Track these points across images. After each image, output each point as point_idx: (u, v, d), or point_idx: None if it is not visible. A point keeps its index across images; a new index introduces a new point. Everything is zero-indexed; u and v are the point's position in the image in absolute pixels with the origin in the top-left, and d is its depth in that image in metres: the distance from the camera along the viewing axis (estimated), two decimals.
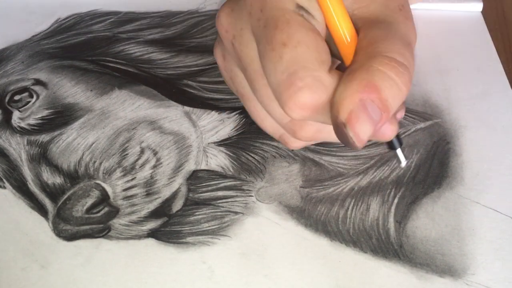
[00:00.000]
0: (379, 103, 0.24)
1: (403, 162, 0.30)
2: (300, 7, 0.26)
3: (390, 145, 0.29)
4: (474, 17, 0.47)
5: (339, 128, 0.24)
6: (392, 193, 0.35)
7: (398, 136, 0.29)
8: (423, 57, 0.44)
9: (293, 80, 0.24)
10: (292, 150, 0.37)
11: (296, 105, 0.25)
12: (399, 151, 0.29)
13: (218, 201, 0.35)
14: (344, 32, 0.27)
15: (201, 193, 0.35)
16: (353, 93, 0.23)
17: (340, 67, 0.27)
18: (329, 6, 0.26)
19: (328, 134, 0.29)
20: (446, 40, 0.45)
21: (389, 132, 0.27)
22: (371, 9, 0.27)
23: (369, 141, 0.26)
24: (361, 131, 0.24)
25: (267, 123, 0.32)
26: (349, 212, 0.34)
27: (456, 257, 0.32)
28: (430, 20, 0.47)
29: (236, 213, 0.34)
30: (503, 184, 0.36)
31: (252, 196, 0.35)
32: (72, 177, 0.36)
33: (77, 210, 0.34)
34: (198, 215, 0.34)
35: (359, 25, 0.27)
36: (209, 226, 0.34)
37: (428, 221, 0.34)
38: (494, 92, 0.41)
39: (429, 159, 0.37)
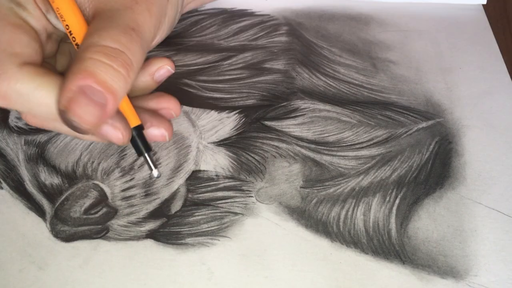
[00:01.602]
0: (98, 86, 0.25)
1: (154, 171, 0.30)
2: (11, 1, 0.28)
3: (136, 150, 0.30)
4: (477, 15, 0.46)
5: (62, 116, 0.25)
6: (394, 193, 0.35)
7: (143, 140, 0.29)
8: (425, 55, 0.43)
9: None
10: (292, 149, 0.37)
11: None
12: (147, 157, 0.30)
13: (218, 202, 0.34)
14: (73, 34, 0.28)
15: (200, 193, 0.35)
16: (70, 82, 0.25)
17: None
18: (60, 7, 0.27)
19: (48, 123, 0.30)
20: (448, 39, 0.45)
21: (111, 134, 0.28)
22: (105, 1, 0.28)
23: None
24: (84, 114, 0.25)
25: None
26: (350, 213, 0.34)
27: (458, 258, 0.32)
28: (432, 18, 0.46)
29: (236, 213, 0.34)
30: (505, 184, 0.35)
31: (252, 196, 0.35)
32: (70, 177, 0.35)
33: (75, 210, 0.34)
34: (198, 216, 0.34)
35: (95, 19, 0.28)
36: (208, 227, 0.33)
37: (430, 222, 0.34)
38: (497, 91, 0.41)
39: (431, 159, 0.36)
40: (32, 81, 0.26)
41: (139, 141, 0.29)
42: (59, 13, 0.28)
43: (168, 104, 0.32)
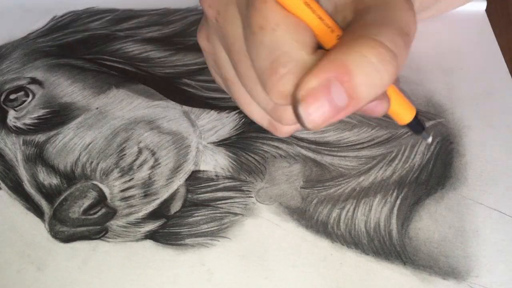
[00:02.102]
0: (348, 88, 0.21)
1: (430, 138, 0.28)
2: None
3: (413, 130, 0.27)
4: (478, 15, 0.46)
5: (293, 104, 0.22)
6: (395, 194, 0.35)
7: (417, 118, 0.26)
8: (426, 56, 0.43)
9: (275, 67, 0.23)
10: (293, 149, 0.37)
11: (281, 93, 0.23)
12: (424, 134, 0.28)
13: (217, 202, 0.34)
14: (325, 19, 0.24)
15: (200, 194, 0.35)
16: (320, 70, 0.21)
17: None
18: None
19: None
20: (450, 39, 0.45)
21: (379, 109, 0.24)
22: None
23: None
24: (315, 114, 0.21)
25: (252, 109, 0.30)
26: (350, 213, 0.34)
27: (460, 259, 0.32)
28: (434, 18, 0.46)
29: (236, 214, 0.34)
30: (507, 184, 0.35)
31: (252, 197, 0.35)
32: (69, 177, 0.35)
33: (74, 211, 0.34)
34: (197, 216, 0.34)
35: (359, 7, 0.24)
36: (208, 228, 0.33)
37: (431, 223, 0.33)
38: (498, 91, 0.41)
39: (432, 160, 0.36)
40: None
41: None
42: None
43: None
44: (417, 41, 0.44)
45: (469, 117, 0.39)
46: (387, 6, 0.24)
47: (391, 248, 0.32)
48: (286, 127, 0.29)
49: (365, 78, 0.21)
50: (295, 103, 0.22)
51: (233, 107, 0.39)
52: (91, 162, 0.36)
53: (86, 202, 0.34)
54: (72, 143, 0.37)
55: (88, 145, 0.37)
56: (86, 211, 0.34)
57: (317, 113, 0.21)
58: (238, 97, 0.30)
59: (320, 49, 0.23)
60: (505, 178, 0.35)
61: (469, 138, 0.38)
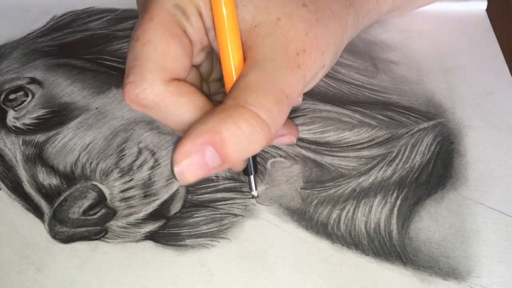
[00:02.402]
0: (221, 153, 0.24)
1: (254, 192, 0.33)
2: (178, 6, 0.26)
3: (244, 171, 0.32)
4: (479, 15, 0.46)
5: (172, 161, 0.25)
6: (395, 194, 0.34)
7: (254, 162, 0.31)
8: (426, 55, 0.43)
9: (128, 73, 0.26)
10: (292, 150, 0.36)
11: (125, 95, 0.26)
12: (252, 179, 0.32)
13: (217, 203, 0.34)
14: (230, 63, 0.27)
15: (200, 195, 0.35)
16: (197, 136, 0.24)
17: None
18: (224, 33, 0.27)
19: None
20: (450, 39, 0.44)
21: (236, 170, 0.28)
22: (267, 43, 0.27)
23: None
24: (189, 173, 0.25)
25: None
26: (350, 214, 0.34)
27: (460, 260, 0.32)
28: (434, 18, 0.46)
29: (236, 215, 0.34)
30: (508, 185, 0.35)
31: (252, 198, 0.34)
32: (69, 178, 0.35)
33: (74, 211, 0.33)
34: (197, 217, 0.34)
35: (247, 55, 0.27)
36: (208, 229, 0.33)
37: (431, 223, 0.33)
38: (499, 91, 0.40)
39: (433, 160, 0.36)
40: (176, 99, 0.26)
41: (251, 162, 0.31)
42: (218, 40, 0.27)
43: (289, 131, 0.33)
44: (417, 41, 0.44)
45: (469, 117, 0.39)
46: (273, 66, 0.26)
47: (391, 248, 0.32)
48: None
49: (237, 146, 0.24)
50: (172, 162, 0.26)
51: None
52: (91, 163, 0.36)
53: (86, 203, 0.34)
54: (71, 143, 0.37)
55: (88, 145, 0.37)
56: (86, 212, 0.33)
57: (190, 173, 0.25)
58: None
59: (180, 81, 0.26)
60: (506, 179, 0.35)
61: (470, 138, 0.37)
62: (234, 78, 0.27)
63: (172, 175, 0.26)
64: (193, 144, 0.24)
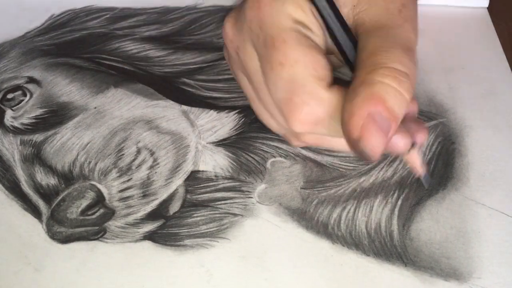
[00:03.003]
0: (386, 113, 0.24)
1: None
2: (297, 22, 0.27)
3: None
4: (480, 13, 0.46)
5: (354, 144, 0.25)
6: (396, 194, 0.34)
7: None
8: (427, 55, 0.43)
9: (292, 98, 0.26)
10: (293, 149, 0.36)
11: (297, 121, 0.26)
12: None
13: (217, 203, 0.34)
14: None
15: (199, 194, 0.34)
16: (360, 108, 0.24)
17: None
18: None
19: (329, 141, 0.30)
20: (451, 38, 0.44)
21: (401, 144, 0.27)
22: (371, 14, 0.28)
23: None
24: (375, 144, 0.24)
25: (271, 123, 0.32)
26: (351, 214, 0.33)
27: (462, 260, 0.31)
28: (435, 17, 0.46)
29: (235, 215, 0.33)
30: (509, 185, 0.35)
31: (251, 197, 0.34)
32: (67, 178, 0.35)
33: (72, 211, 0.33)
34: (196, 217, 0.33)
35: (359, 32, 0.28)
36: (207, 229, 0.33)
37: (432, 223, 0.33)
38: (500, 91, 0.40)
39: (434, 160, 0.36)
40: (341, 98, 0.26)
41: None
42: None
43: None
44: (418, 39, 0.44)
45: (471, 117, 0.39)
46: (386, 28, 0.27)
47: (392, 249, 0.32)
48: (301, 143, 0.32)
49: (394, 100, 0.24)
50: (354, 144, 0.25)
51: (233, 107, 0.39)
52: (89, 162, 0.35)
53: (84, 203, 0.34)
54: (70, 143, 0.37)
55: (86, 145, 0.36)
56: (84, 212, 0.33)
57: (376, 144, 0.24)
58: (258, 112, 0.32)
59: (335, 85, 0.26)
60: (508, 179, 0.35)
61: (471, 138, 0.37)
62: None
63: (358, 157, 0.26)
64: (361, 117, 0.24)
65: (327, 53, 0.29)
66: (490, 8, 0.46)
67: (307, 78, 0.26)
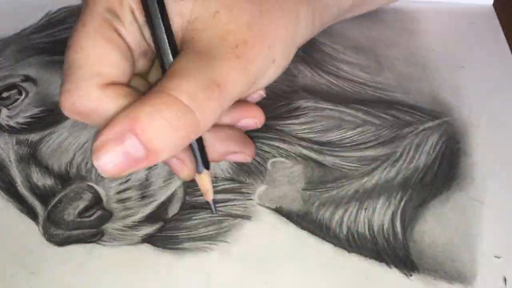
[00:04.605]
0: (142, 140, 0.23)
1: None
2: (109, 10, 0.26)
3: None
4: (486, 10, 0.45)
5: (92, 149, 0.24)
6: (399, 195, 0.34)
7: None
8: (432, 52, 0.42)
9: (63, 81, 0.25)
10: (294, 150, 0.36)
11: (61, 106, 0.25)
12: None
13: (216, 205, 0.33)
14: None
15: (198, 196, 0.34)
16: (115, 123, 0.23)
17: None
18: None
19: None
20: (456, 35, 0.43)
21: (182, 174, 0.28)
22: (203, 36, 0.25)
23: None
24: (108, 164, 0.23)
25: None
26: (353, 216, 0.33)
27: (466, 263, 0.31)
28: (439, 13, 0.45)
29: (235, 217, 0.33)
30: None
31: (252, 199, 0.34)
32: (63, 178, 0.34)
33: (69, 213, 0.33)
34: (195, 219, 0.33)
35: (183, 47, 0.26)
36: (207, 231, 0.32)
37: (436, 225, 0.32)
38: (506, 88, 0.39)
39: (438, 160, 0.35)
40: (114, 101, 0.25)
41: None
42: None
43: (252, 113, 0.31)
44: (422, 38, 0.43)
45: (476, 115, 0.38)
46: (208, 56, 0.25)
47: (395, 252, 0.31)
48: None
49: (158, 132, 0.23)
50: (92, 151, 0.23)
51: None
52: (87, 163, 0.35)
53: (81, 204, 0.33)
54: (66, 143, 0.36)
55: (83, 144, 0.36)
56: (81, 213, 0.33)
57: (109, 163, 0.23)
58: None
59: (117, 85, 0.25)
60: None
61: (476, 137, 0.37)
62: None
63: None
64: (111, 132, 0.23)
65: (145, 54, 0.28)
66: (495, 5, 0.46)
67: (84, 67, 0.25)
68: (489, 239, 0.32)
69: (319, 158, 0.35)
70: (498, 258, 0.31)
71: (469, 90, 0.39)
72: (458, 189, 0.34)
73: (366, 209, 0.33)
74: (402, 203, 0.33)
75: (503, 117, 0.38)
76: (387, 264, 0.31)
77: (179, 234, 0.32)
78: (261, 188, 0.34)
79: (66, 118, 0.37)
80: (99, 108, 0.25)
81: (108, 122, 0.23)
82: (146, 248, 0.32)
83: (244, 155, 0.32)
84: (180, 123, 0.23)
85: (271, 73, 0.29)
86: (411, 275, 0.30)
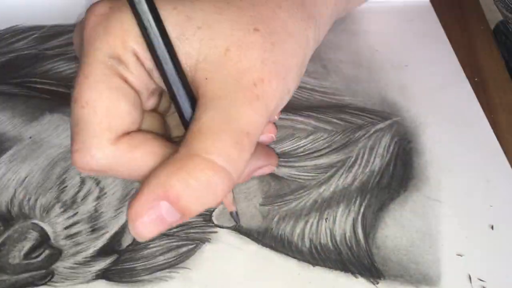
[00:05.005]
0: (177, 207, 0.22)
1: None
2: (111, 55, 0.24)
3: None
4: (423, 7, 0.46)
5: (128, 218, 0.23)
6: (358, 201, 0.33)
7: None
8: (375, 52, 0.42)
9: (73, 139, 0.24)
10: None
11: (75, 165, 0.24)
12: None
13: (173, 230, 0.32)
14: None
15: None
16: (150, 192, 0.22)
17: None
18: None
19: None
20: (396, 34, 0.44)
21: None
22: (216, 79, 0.24)
23: None
24: (146, 231, 0.23)
25: None
26: (314, 228, 0.32)
27: (430, 264, 0.31)
28: (378, 13, 0.45)
29: (194, 241, 0.31)
30: (468, 180, 0.34)
31: (209, 220, 0.32)
32: (5, 218, 0.32)
33: (14, 256, 0.30)
34: (152, 247, 0.31)
35: (199, 92, 0.24)
36: (165, 259, 0.31)
37: (397, 229, 0.32)
38: (451, 84, 0.40)
39: (392, 161, 0.35)
40: (129, 155, 0.24)
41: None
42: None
43: (268, 161, 0.30)
44: (365, 38, 0.43)
45: (424, 113, 0.38)
46: (227, 101, 0.23)
47: (359, 260, 0.31)
48: None
49: (194, 198, 0.22)
50: (128, 219, 0.23)
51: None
52: (29, 199, 0.32)
53: (27, 245, 0.31)
54: (5, 179, 0.33)
55: (24, 179, 0.33)
56: (27, 255, 0.30)
57: (147, 231, 0.23)
58: None
59: (129, 137, 0.24)
60: (466, 174, 0.35)
61: (427, 136, 0.37)
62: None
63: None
64: (146, 201, 0.22)
65: (153, 92, 0.27)
66: (433, 2, 0.46)
67: (91, 124, 0.23)
68: (450, 237, 0.32)
69: (275, 170, 0.34)
70: (461, 256, 0.31)
71: (415, 88, 0.40)
72: (415, 190, 0.34)
73: (326, 219, 0.32)
74: (362, 209, 0.33)
75: (450, 112, 0.38)
76: (353, 273, 0.30)
77: (136, 265, 0.31)
78: (218, 208, 0.33)
79: (3, 152, 0.35)
80: (116, 164, 0.24)
81: (142, 187, 0.23)
82: (102, 284, 0.30)
83: (270, 166, 0.31)
84: (218, 187, 0.23)
85: (284, 103, 0.27)
86: (377, 283, 0.30)
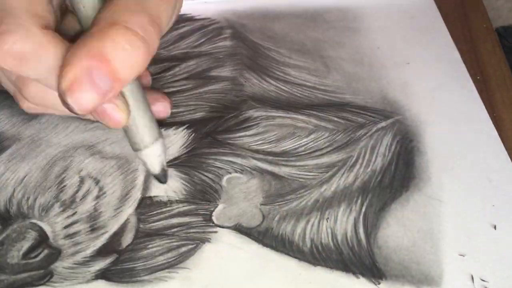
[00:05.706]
0: (108, 72, 0.23)
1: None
2: None
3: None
4: (425, 3, 0.45)
5: (60, 97, 0.23)
6: (359, 201, 0.33)
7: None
8: (377, 50, 0.42)
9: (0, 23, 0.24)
10: (248, 163, 0.34)
11: (0, 50, 0.24)
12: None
13: (173, 230, 0.32)
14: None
15: (152, 222, 0.32)
16: (79, 59, 0.23)
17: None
18: None
19: (55, 97, 0.27)
20: (398, 31, 0.43)
21: (117, 117, 0.26)
22: None
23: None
24: (83, 99, 0.23)
25: (1, 76, 0.30)
26: (315, 228, 0.32)
27: (431, 264, 0.31)
28: (380, 10, 0.45)
29: (194, 241, 0.31)
30: (470, 180, 0.34)
31: (209, 220, 0.32)
32: (4, 218, 0.31)
33: (12, 256, 0.30)
34: (152, 248, 0.31)
35: None
36: (165, 259, 0.31)
37: (399, 228, 0.32)
38: (453, 82, 0.40)
39: (394, 161, 0.35)
40: (56, 47, 0.24)
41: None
42: None
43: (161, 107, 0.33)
44: (366, 36, 0.43)
45: (426, 112, 0.38)
46: None
47: (360, 260, 0.31)
48: (27, 103, 0.30)
49: (123, 62, 0.23)
50: (61, 95, 0.23)
51: (181, 122, 0.36)
52: (28, 198, 0.32)
53: (26, 244, 0.30)
54: (4, 179, 0.33)
55: (23, 179, 0.33)
56: (26, 255, 0.30)
57: (85, 99, 0.23)
58: None
59: (54, 32, 0.25)
60: (468, 173, 0.34)
61: (429, 134, 0.36)
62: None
63: (64, 105, 0.23)
64: (77, 69, 0.22)
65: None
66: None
67: (20, 9, 0.24)
68: (452, 237, 0.32)
69: (275, 169, 0.34)
70: (463, 256, 0.31)
71: (416, 86, 0.39)
72: (416, 189, 0.34)
73: (327, 218, 0.32)
74: (363, 209, 0.33)
75: (452, 111, 0.38)
76: (354, 274, 0.30)
77: (136, 265, 0.30)
78: (218, 208, 0.32)
79: (1, 152, 0.34)
80: (41, 52, 0.24)
81: (66, 59, 0.23)
82: (101, 284, 0.30)
83: (166, 104, 0.33)
84: (138, 53, 0.23)
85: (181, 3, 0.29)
86: (379, 283, 0.30)
